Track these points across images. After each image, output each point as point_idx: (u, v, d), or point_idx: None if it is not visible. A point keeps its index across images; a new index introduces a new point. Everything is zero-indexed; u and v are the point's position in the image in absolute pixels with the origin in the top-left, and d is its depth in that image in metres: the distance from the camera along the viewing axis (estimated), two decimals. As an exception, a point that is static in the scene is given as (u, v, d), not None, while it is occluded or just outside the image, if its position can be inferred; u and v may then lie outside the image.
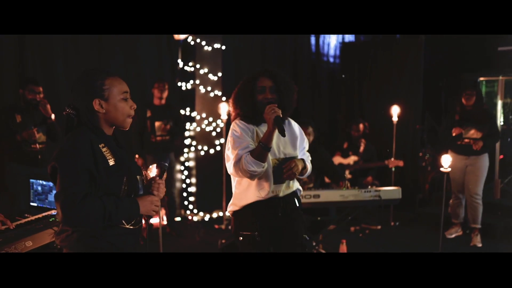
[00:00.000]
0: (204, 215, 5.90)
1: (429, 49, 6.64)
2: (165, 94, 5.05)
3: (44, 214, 2.90)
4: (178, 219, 5.73)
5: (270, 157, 2.43)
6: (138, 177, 1.89)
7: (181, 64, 5.83)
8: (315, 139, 4.69)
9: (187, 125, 5.80)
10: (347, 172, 5.63)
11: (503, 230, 5.22)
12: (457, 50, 6.86)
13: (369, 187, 3.96)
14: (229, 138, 2.45)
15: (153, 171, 1.92)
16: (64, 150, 1.76)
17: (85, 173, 1.72)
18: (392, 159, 5.50)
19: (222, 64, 5.94)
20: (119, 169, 1.81)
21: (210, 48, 5.85)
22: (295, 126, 2.64)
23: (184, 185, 5.90)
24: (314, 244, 4.03)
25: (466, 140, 4.81)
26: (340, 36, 7.53)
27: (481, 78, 6.25)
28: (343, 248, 4.29)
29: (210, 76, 5.88)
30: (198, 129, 5.88)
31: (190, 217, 5.83)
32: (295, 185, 2.59)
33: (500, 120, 6.25)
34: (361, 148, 5.76)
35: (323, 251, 4.12)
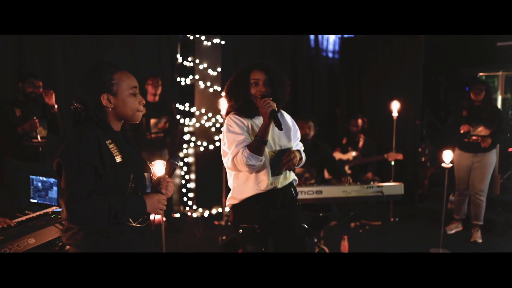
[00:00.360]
0: (204, 211, 5.87)
1: (429, 44, 6.64)
2: (159, 91, 5.00)
3: (44, 211, 2.88)
4: (177, 215, 5.71)
5: (266, 150, 2.43)
6: (145, 174, 1.86)
7: (180, 59, 5.78)
8: (316, 134, 4.67)
9: (187, 120, 5.77)
10: (346, 167, 5.61)
11: (503, 225, 5.24)
12: (457, 45, 6.85)
13: (372, 183, 3.95)
14: (224, 133, 2.44)
15: (160, 169, 1.89)
16: (69, 146, 1.72)
17: (90, 170, 1.67)
18: (392, 153, 5.47)
19: (222, 59, 5.90)
20: (126, 166, 1.76)
21: (209, 43, 5.81)
22: (288, 117, 2.65)
23: (183, 181, 5.87)
24: (316, 240, 4.02)
25: (474, 138, 4.71)
26: (339, 31, 7.51)
27: (481, 73, 6.23)
28: (345, 245, 4.28)
29: (210, 71, 5.83)
30: (197, 124, 5.84)
31: (189, 213, 5.81)
32: (291, 175, 2.62)
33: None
34: (360, 144, 5.75)
35: (325, 248, 4.12)
